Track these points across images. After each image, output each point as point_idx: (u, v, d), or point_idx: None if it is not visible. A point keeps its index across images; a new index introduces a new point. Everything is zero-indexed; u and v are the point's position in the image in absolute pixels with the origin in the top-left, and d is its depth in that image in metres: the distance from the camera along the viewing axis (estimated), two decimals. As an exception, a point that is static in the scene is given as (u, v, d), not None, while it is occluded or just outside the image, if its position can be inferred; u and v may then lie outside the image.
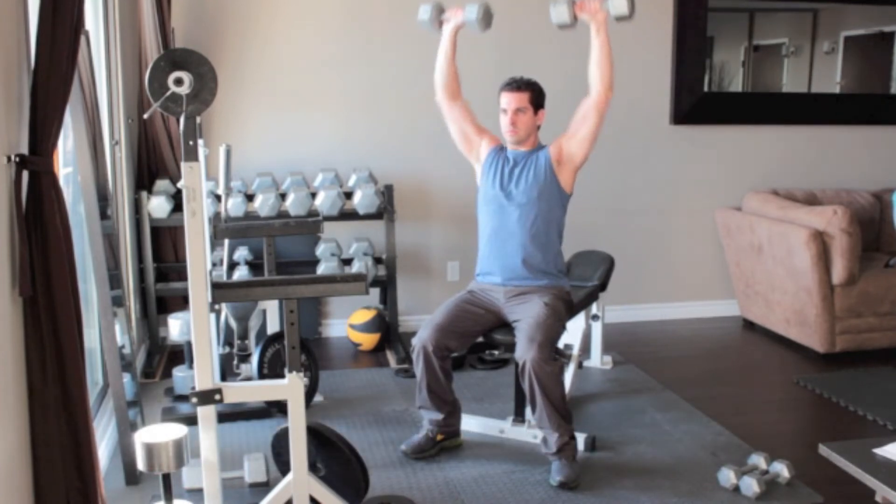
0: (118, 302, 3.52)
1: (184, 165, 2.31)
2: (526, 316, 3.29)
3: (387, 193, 4.72)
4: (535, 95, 3.39)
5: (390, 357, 4.70)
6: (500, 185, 3.45)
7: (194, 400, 2.42)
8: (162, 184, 4.62)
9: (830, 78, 5.62)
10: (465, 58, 3.56)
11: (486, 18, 3.40)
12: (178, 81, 2.26)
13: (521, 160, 3.45)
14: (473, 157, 3.57)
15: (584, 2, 3.27)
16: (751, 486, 3.05)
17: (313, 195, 4.60)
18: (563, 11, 3.28)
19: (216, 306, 3.57)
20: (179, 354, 4.52)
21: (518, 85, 3.38)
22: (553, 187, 3.41)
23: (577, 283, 3.91)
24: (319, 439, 2.77)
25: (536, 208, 3.40)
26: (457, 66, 3.50)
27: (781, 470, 3.15)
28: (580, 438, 3.41)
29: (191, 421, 2.74)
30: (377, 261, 4.79)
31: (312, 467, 2.70)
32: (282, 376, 2.53)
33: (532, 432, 3.49)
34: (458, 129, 3.56)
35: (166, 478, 2.48)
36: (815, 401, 4.12)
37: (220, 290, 2.46)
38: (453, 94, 3.52)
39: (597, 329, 4.47)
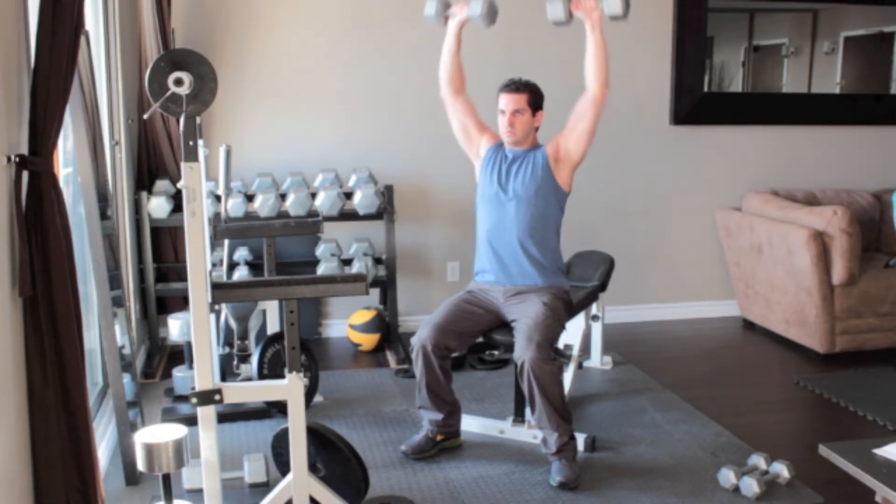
0: (118, 302, 3.52)
1: (184, 166, 2.31)
2: (524, 316, 3.29)
3: (387, 194, 4.72)
4: (534, 97, 3.39)
5: (390, 357, 4.70)
6: (497, 181, 3.45)
7: (194, 400, 2.42)
8: (162, 184, 4.62)
9: (830, 78, 5.62)
10: (468, 57, 3.56)
11: (491, 14, 3.40)
12: (178, 82, 2.26)
13: (520, 157, 3.45)
14: (473, 153, 3.57)
15: (579, 0, 3.28)
16: (751, 486, 3.05)
17: (313, 195, 4.60)
18: (558, 9, 3.30)
19: (216, 307, 3.57)
20: (179, 355, 4.52)
21: (516, 86, 3.38)
22: (550, 185, 3.41)
23: (577, 284, 3.91)
24: (319, 439, 2.77)
25: (533, 205, 3.40)
26: (461, 61, 3.51)
27: (781, 470, 3.15)
28: (580, 439, 3.41)
29: (191, 421, 2.74)
30: (377, 261, 4.79)
31: (312, 468, 2.70)
32: (282, 376, 2.53)
33: (532, 432, 3.49)
34: (460, 123, 3.56)
35: (166, 478, 2.47)
36: (815, 401, 4.12)
37: (220, 291, 2.46)
38: (457, 89, 3.53)
39: (597, 329, 4.47)
